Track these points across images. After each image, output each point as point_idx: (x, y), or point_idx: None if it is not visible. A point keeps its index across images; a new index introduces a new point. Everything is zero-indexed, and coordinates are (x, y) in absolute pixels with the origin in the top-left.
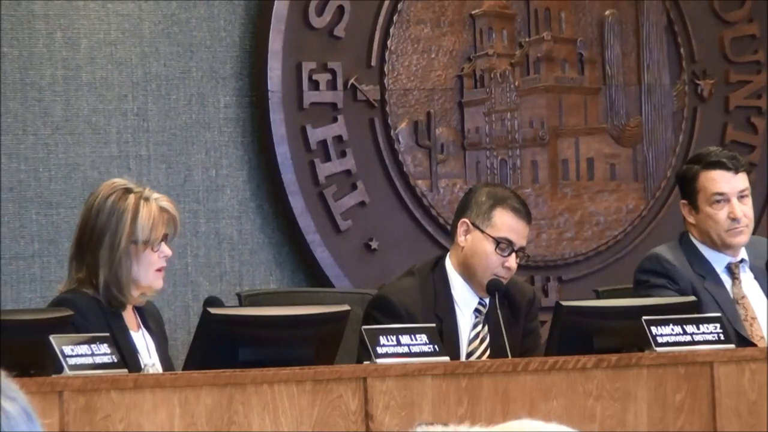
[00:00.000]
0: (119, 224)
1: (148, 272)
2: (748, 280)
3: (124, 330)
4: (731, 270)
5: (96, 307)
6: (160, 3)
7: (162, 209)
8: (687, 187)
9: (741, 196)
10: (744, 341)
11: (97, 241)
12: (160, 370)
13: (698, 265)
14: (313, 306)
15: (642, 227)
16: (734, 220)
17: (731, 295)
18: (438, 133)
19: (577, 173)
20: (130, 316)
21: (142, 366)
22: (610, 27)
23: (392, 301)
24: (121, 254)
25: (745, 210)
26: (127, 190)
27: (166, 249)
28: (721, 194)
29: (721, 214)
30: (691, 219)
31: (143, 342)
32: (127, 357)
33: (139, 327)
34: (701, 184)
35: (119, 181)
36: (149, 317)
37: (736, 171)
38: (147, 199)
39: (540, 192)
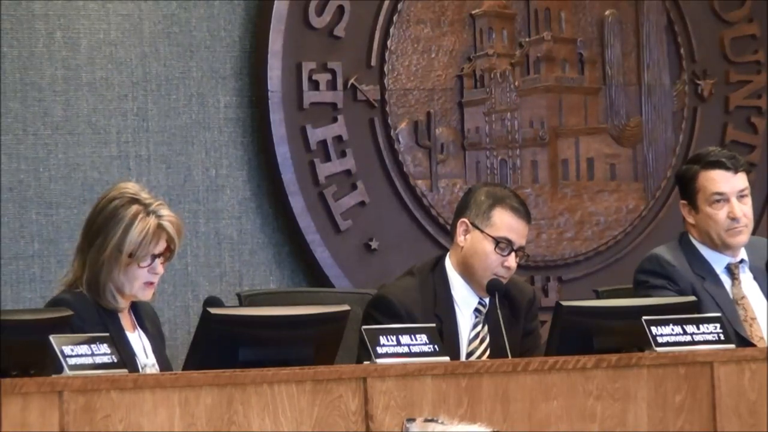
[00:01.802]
0: (111, 230)
1: (133, 284)
2: (747, 280)
3: (120, 331)
4: (731, 270)
5: (92, 307)
6: (160, 3)
7: (160, 227)
8: (686, 187)
9: (740, 196)
10: (743, 341)
11: (91, 239)
12: (158, 371)
13: (698, 266)
14: (313, 306)
15: (642, 227)
16: (734, 219)
17: (731, 296)
18: (438, 133)
19: (577, 173)
20: (125, 317)
21: (140, 366)
22: (610, 27)
23: (392, 301)
24: (105, 259)
25: (745, 210)
26: (134, 200)
27: (158, 267)
28: (720, 194)
29: (721, 213)
30: (690, 219)
31: (140, 343)
32: (124, 357)
33: (135, 328)
34: (701, 184)
35: (132, 188)
36: (145, 317)
37: (736, 171)
38: (149, 214)
39: (540, 192)
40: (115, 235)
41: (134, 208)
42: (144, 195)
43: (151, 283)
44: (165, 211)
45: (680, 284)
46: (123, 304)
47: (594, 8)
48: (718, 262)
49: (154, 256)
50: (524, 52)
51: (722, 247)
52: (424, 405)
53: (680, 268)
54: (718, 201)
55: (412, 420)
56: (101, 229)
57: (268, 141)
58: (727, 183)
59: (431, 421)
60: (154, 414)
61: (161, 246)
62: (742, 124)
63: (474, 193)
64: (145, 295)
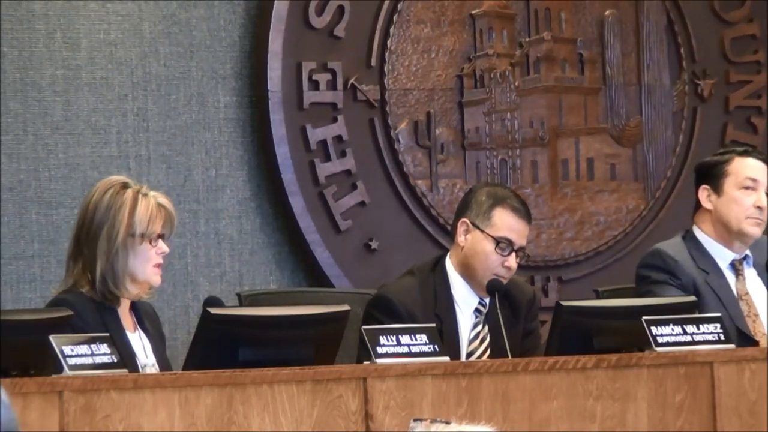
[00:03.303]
0: (117, 216)
1: (146, 267)
2: (751, 276)
3: (121, 331)
4: (735, 266)
5: (93, 307)
6: (160, 3)
7: (160, 205)
8: (713, 170)
9: (767, 193)
10: (746, 337)
11: (95, 234)
12: (158, 371)
13: (702, 261)
14: (313, 306)
15: (642, 227)
16: (759, 208)
17: (734, 291)
18: (438, 133)
19: (577, 173)
20: (126, 317)
21: (141, 367)
22: (610, 27)
23: (392, 300)
24: (119, 246)
25: (767, 206)
26: (125, 185)
27: (163, 245)
28: (754, 180)
29: (748, 199)
30: (708, 205)
31: (140, 343)
32: (124, 357)
33: (135, 328)
34: (735, 168)
35: (116, 178)
36: (146, 318)
37: None
38: (145, 195)
39: (540, 192)
40: (123, 219)
41: (129, 191)
42: (130, 181)
43: (159, 265)
44: (153, 192)
45: (682, 279)
46: (135, 293)
47: (594, 8)
48: (723, 257)
49: (158, 236)
50: (524, 52)
51: (736, 236)
52: (424, 405)
53: (683, 262)
54: (748, 187)
55: (418, 420)
56: (104, 220)
57: (268, 141)
58: (762, 173)
59: (437, 421)
60: (154, 414)
61: (161, 224)
62: (742, 124)
63: (475, 193)
64: (156, 280)
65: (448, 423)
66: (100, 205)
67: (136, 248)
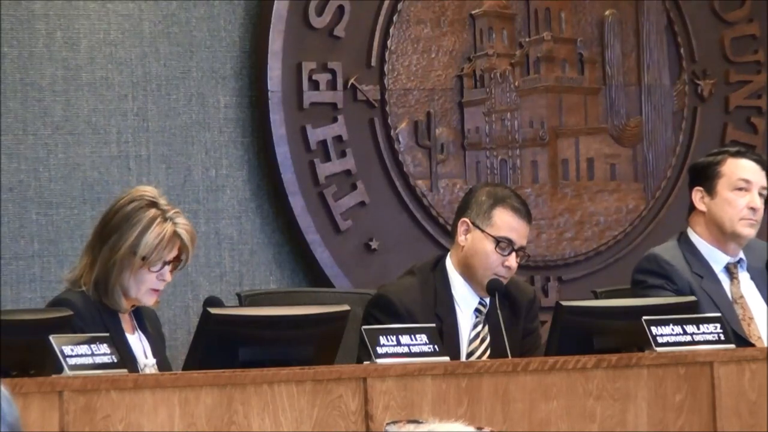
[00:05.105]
0: (127, 231)
1: (140, 288)
2: (745, 280)
3: (120, 332)
4: (729, 270)
5: (93, 308)
6: (160, 3)
7: (176, 234)
8: (706, 172)
9: (760, 193)
10: (741, 341)
11: (105, 238)
12: (158, 372)
13: (697, 265)
14: (313, 306)
15: (642, 227)
16: (752, 209)
17: (729, 295)
18: (438, 133)
19: (577, 173)
20: (125, 319)
21: (141, 367)
22: (610, 27)
23: (392, 299)
24: (117, 259)
25: (761, 207)
26: (152, 204)
27: (167, 274)
28: (747, 181)
29: (741, 201)
30: (702, 206)
31: (139, 344)
32: (124, 358)
33: (134, 329)
34: (728, 169)
35: (150, 192)
36: (146, 320)
37: (762, 168)
38: (166, 220)
39: (540, 192)
40: (131, 236)
41: (152, 211)
42: (162, 201)
43: (157, 290)
44: (181, 220)
45: (678, 284)
46: (126, 306)
47: (594, 8)
48: (717, 261)
49: (165, 263)
50: (524, 52)
51: (730, 237)
52: (424, 405)
53: (678, 267)
54: (741, 188)
55: (392, 423)
56: (116, 229)
57: (268, 141)
58: (755, 174)
59: (411, 421)
60: (154, 414)
61: (173, 253)
62: (742, 124)
63: (475, 193)
64: (149, 301)
65: (419, 422)
66: (121, 212)
67: (135, 268)
